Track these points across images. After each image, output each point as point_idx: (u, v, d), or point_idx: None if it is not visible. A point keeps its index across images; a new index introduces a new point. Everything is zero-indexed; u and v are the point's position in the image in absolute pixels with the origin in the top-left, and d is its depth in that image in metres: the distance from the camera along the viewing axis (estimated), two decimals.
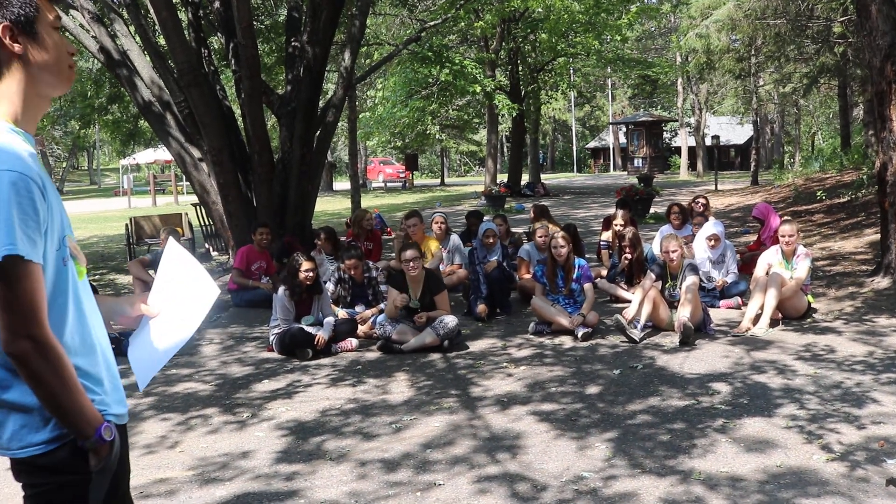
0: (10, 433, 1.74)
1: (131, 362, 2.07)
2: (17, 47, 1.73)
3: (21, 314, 1.63)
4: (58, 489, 1.78)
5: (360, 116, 27.92)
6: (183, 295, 2.12)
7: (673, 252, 7.16)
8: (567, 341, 6.85)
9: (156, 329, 2.08)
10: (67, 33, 12.18)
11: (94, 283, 9.04)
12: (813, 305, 7.51)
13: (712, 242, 8.15)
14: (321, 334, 6.64)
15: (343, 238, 10.92)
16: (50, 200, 1.71)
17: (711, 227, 8.36)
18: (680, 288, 7.02)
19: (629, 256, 8.39)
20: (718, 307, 7.85)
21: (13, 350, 1.65)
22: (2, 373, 1.72)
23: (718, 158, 32.85)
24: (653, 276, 7.08)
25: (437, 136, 36.42)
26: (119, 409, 1.88)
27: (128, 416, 1.94)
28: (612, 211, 10.28)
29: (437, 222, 9.35)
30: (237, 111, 12.88)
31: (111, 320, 2.08)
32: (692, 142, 39.90)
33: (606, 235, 9.97)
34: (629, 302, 7.78)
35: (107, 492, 1.81)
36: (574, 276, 7.24)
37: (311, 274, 6.81)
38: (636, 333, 6.67)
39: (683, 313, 6.65)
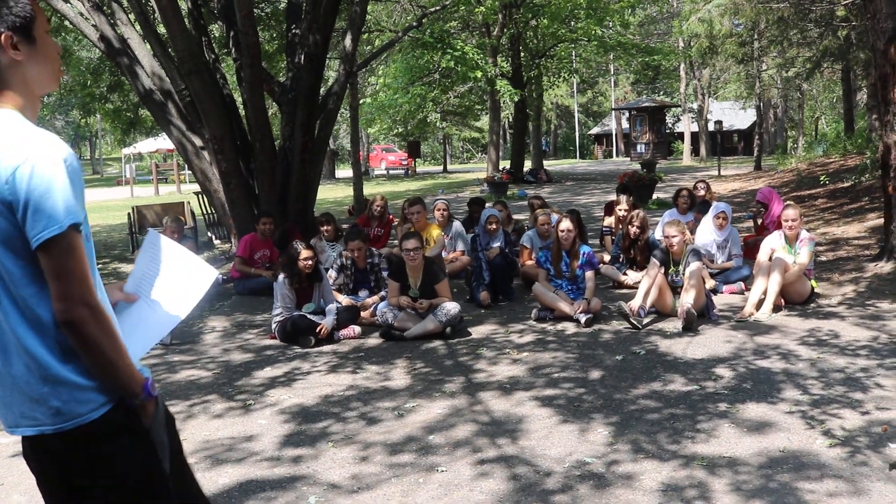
0: (56, 408, 1.79)
1: None
2: (19, 55, 1.83)
3: (78, 282, 1.73)
4: (122, 452, 1.85)
5: (362, 103, 27.83)
6: (177, 278, 2.15)
7: (674, 237, 7.15)
8: (570, 327, 6.85)
9: (148, 309, 2.10)
10: (67, 22, 12.17)
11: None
12: (816, 290, 7.50)
13: (720, 221, 8.18)
14: (325, 323, 6.64)
15: (346, 225, 10.89)
16: None
17: (722, 205, 8.52)
18: (683, 273, 7.01)
19: (635, 233, 8.21)
20: (722, 292, 7.84)
21: (72, 317, 1.72)
22: (42, 351, 1.78)
23: (721, 144, 32.77)
24: (657, 262, 7.06)
25: (437, 123, 36.33)
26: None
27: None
28: (614, 197, 10.25)
29: (439, 209, 9.34)
30: (238, 99, 12.84)
31: None
32: (695, 127, 39.81)
33: (609, 221, 9.95)
34: (631, 288, 7.78)
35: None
36: (579, 262, 7.23)
37: (309, 262, 6.80)
38: (639, 321, 6.66)
39: (687, 299, 6.64)
